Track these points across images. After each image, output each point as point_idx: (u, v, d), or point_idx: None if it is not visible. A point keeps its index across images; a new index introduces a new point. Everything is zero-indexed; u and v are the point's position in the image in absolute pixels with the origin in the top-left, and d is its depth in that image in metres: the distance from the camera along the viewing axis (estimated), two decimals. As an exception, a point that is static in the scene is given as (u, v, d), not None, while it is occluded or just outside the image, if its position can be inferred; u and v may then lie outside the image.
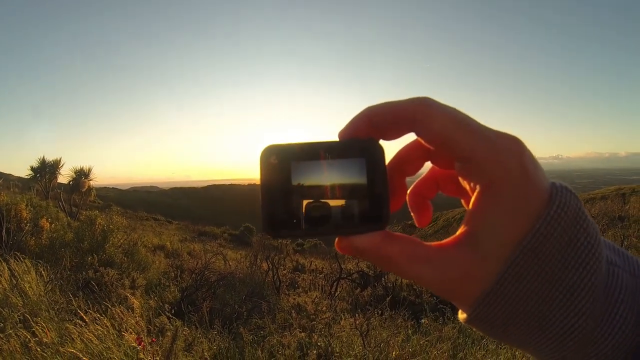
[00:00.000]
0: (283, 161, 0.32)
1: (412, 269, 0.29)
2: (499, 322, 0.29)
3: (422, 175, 0.38)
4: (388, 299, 5.05)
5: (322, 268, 7.59)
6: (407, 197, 0.37)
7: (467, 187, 0.31)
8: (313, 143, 0.32)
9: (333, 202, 0.31)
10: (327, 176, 0.32)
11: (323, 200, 0.31)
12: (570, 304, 0.28)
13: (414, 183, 0.38)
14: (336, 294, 5.85)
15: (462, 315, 0.31)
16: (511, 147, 0.28)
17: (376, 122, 0.31)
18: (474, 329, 0.32)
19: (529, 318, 0.28)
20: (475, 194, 0.29)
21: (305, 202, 0.31)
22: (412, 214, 0.38)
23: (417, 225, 0.39)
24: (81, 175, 15.46)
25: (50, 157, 15.71)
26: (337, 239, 0.32)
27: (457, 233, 0.30)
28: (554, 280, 0.27)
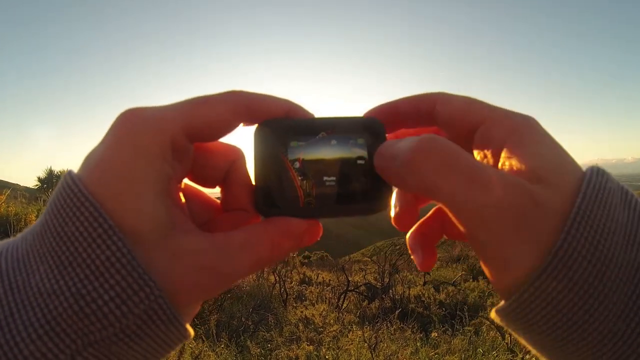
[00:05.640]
0: (280, 135, 0.30)
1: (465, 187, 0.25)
2: (549, 306, 0.24)
3: (426, 216, 0.36)
4: (397, 311, 5.00)
5: (329, 280, 7.53)
6: (408, 240, 0.35)
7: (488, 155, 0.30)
8: (312, 119, 0.31)
9: (333, 178, 0.30)
10: (327, 151, 0.30)
11: (322, 176, 0.30)
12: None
13: (417, 223, 0.35)
14: (344, 307, 5.80)
15: (497, 309, 0.27)
16: (526, 115, 0.30)
17: (402, 110, 0.33)
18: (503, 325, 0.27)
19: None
20: (506, 146, 0.28)
21: (302, 177, 0.30)
22: (412, 256, 0.35)
23: (419, 269, 0.36)
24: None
25: (57, 168, 15.87)
26: (378, 151, 0.29)
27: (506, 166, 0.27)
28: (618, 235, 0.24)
